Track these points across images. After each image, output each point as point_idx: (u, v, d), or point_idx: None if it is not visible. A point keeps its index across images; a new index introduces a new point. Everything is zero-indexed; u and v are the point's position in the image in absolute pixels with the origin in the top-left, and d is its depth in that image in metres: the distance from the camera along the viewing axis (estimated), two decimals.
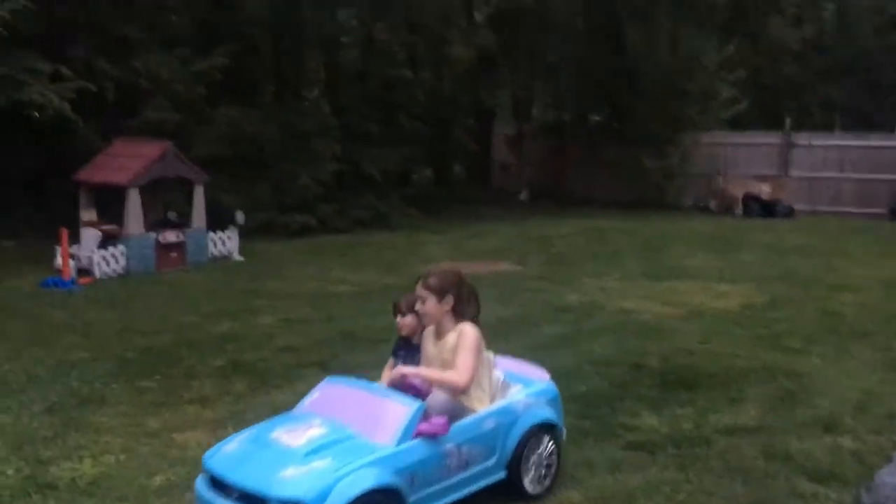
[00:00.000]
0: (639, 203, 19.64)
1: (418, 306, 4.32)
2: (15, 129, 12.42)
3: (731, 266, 11.66)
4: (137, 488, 4.52)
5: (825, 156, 19.52)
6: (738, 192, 19.41)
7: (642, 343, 7.44)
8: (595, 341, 7.50)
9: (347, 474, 3.63)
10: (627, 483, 4.56)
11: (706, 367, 6.64)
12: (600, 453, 4.94)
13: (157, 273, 11.01)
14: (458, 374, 4.11)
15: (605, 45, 20.69)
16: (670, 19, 20.22)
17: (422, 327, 4.46)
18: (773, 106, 24.09)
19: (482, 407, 4.23)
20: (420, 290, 4.26)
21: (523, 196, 21.88)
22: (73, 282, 10.09)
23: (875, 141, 19.28)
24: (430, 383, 4.16)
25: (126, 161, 11.26)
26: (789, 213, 18.61)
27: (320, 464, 3.68)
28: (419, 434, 3.90)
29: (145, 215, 11.15)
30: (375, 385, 4.33)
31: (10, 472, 4.70)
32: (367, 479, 3.65)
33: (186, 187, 11.95)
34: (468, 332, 4.18)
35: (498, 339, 7.39)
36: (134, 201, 10.97)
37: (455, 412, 4.07)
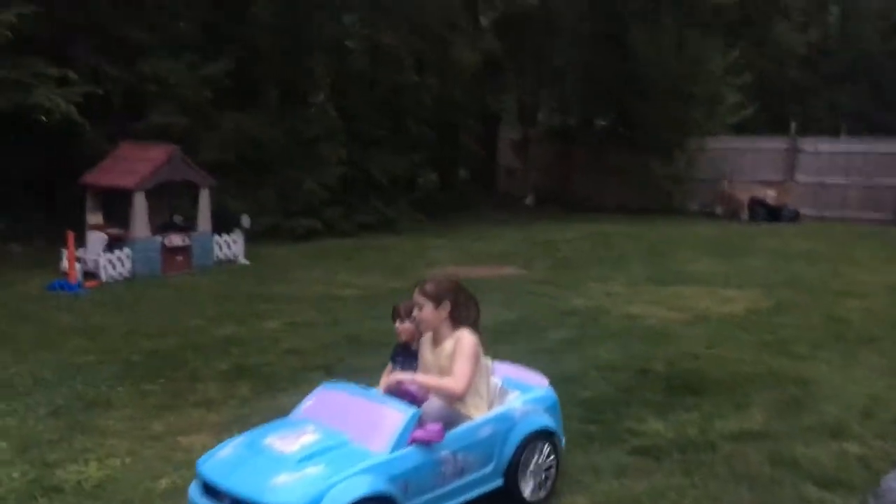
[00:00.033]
0: (645, 208, 19.63)
1: (415, 313, 4.31)
2: (22, 133, 12.46)
3: (737, 271, 11.63)
4: (143, 491, 4.52)
5: (831, 161, 19.49)
6: (743, 196, 19.38)
7: (648, 348, 7.42)
8: (601, 346, 7.49)
9: (340, 481, 3.61)
10: (633, 488, 4.55)
11: (712, 373, 6.63)
12: (606, 458, 4.93)
13: (163, 276, 11.03)
14: (454, 382, 4.09)
15: (611, 50, 20.67)
16: (676, 24, 20.21)
17: (420, 333, 4.45)
18: (779, 110, 24.03)
19: (480, 414, 4.20)
20: (417, 297, 4.26)
21: (529, 201, 21.87)
22: (79, 285, 10.12)
23: (881, 146, 19.24)
24: (427, 390, 4.14)
25: (133, 165, 11.30)
26: (795, 217, 18.58)
27: (313, 470, 3.65)
28: (414, 441, 3.87)
29: (151, 219, 11.17)
30: (371, 391, 4.30)
31: (15, 475, 4.71)
32: (360, 487, 3.62)
33: (192, 191, 11.98)
34: (466, 339, 4.17)
35: (503, 343, 7.43)
36: (140, 205, 11.00)
37: (450, 419, 4.04)
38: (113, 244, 10.97)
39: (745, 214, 19.12)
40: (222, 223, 12.25)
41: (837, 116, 26.30)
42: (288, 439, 3.88)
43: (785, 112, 23.69)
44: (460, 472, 4.05)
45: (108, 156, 11.87)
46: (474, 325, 4.30)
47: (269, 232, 14.23)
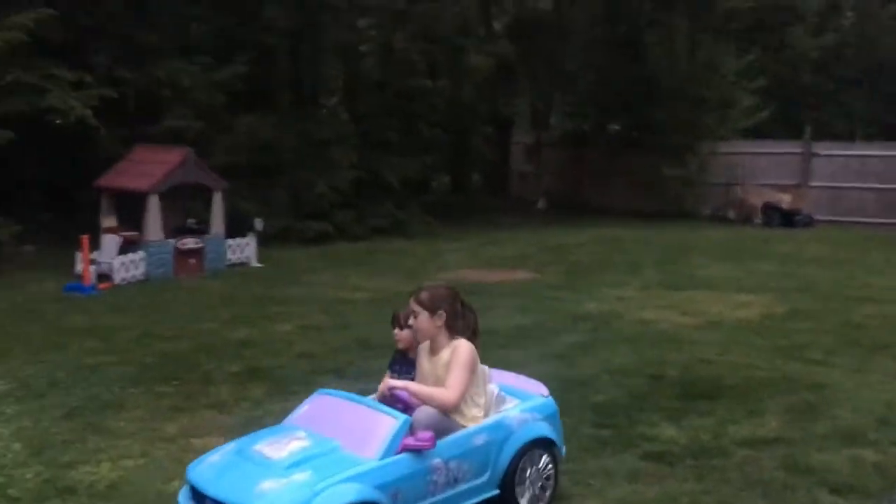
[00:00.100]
0: (657, 212, 19.57)
1: (411, 321, 4.28)
2: (37, 136, 12.55)
3: (750, 276, 11.57)
4: (155, 493, 4.54)
5: (846, 165, 19.38)
6: (757, 201, 19.29)
7: (661, 353, 7.39)
8: (613, 351, 7.46)
9: (327, 488, 3.56)
10: (645, 494, 4.52)
11: (725, 378, 6.59)
12: (618, 463, 4.90)
13: (176, 279, 11.08)
14: (447, 393, 4.05)
15: (624, 54, 20.66)
16: (689, 28, 20.17)
17: (417, 342, 4.41)
18: (794, 115, 23.92)
19: (476, 423, 4.13)
20: (412, 305, 4.23)
21: (541, 205, 21.85)
22: (93, 287, 10.17)
23: None
24: (419, 399, 4.08)
25: (146, 168, 11.36)
26: (809, 222, 18.46)
27: (300, 477, 3.61)
28: (404, 448, 3.82)
29: (165, 222, 11.22)
30: (366, 398, 4.24)
31: (29, 475, 4.73)
32: (348, 494, 3.57)
33: (206, 194, 12.03)
34: (462, 349, 4.13)
35: (516, 347, 7.42)
36: (154, 207, 11.05)
37: (443, 427, 3.98)
38: (127, 247, 11.02)
39: (758, 219, 19.03)
40: (235, 226, 12.30)
41: (852, 121, 26.18)
42: (277, 446, 3.85)
43: (799, 116, 23.59)
44: (453, 482, 3.97)
45: (122, 159, 11.94)
46: (473, 335, 4.27)
47: (281, 235, 14.27)
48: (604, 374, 6.66)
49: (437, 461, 3.90)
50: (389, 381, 4.24)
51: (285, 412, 5.46)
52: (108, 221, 11.42)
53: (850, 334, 8.20)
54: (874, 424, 5.58)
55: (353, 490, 3.60)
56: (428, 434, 3.84)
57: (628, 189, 20.86)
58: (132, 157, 11.86)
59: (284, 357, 7.26)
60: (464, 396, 4.11)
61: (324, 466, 3.67)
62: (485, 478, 4.11)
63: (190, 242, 11.46)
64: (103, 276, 10.60)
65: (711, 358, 7.22)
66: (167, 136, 13.21)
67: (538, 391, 4.57)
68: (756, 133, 21.58)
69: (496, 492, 4.15)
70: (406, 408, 4.08)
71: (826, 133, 21.68)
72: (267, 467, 3.70)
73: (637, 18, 20.87)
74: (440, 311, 4.17)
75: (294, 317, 8.86)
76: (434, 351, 4.25)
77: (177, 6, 14.71)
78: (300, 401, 5.84)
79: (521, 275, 11.85)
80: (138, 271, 10.92)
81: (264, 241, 12.91)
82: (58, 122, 11.76)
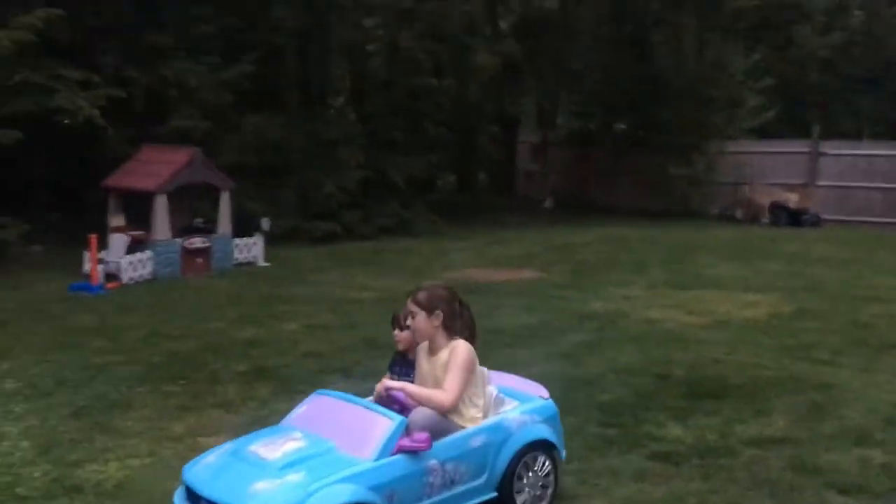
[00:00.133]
0: (664, 211, 19.53)
1: (409, 322, 4.28)
2: (45, 136, 12.60)
3: (757, 275, 11.54)
4: (162, 492, 4.54)
5: (853, 165, 19.31)
6: (764, 200, 19.24)
7: (667, 352, 7.38)
8: (619, 350, 7.46)
9: (320, 489, 3.55)
10: (652, 493, 4.52)
11: (732, 378, 6.57)
12: (625, 462, 4.90)
13: (183, 278, 11.10)
14: (443, 395, 4.04)
15: (631, 53, 20.64)
16: (696, 27, 20.14)
17: (416, 342, 4.40)
18: (801, 114, 23.86)
19: (474, 424, 4.12)
20: (409, 306, 4.23)
21: (547, 204, 21.84)
22: (100, 287, 10.20)
23: None
24: (416, 401, 4.06)
25: (154, 167, 11.39)
26: (816, 222, 18.40)
27: (294, 477, 3.60)
28: (400, 449, 3.80)
29: (172, 221, 11.25)
30: (363, 399, 4.23)
31: (37, 474, 4.75)
32: (341, 495, 3.56)
33: (213, 194, 12.06)
34: (460, 350, 4.12)
35: (522, 346, 7.43)
36: (161, 207, 11.08)
37: (439, 428, 3.96)
38: (134, 246, 11.05)
39: (765, 218, 18.98)
40: (242, 226, 12.32)
41: (859, 120, 26.09)
42: (272, 446, 3.84)
43: (806, 116, 23.53)
44: (450, 483, 3.95)
45: (129, 159, 11.97)
46: (472, 335, 4.26)
47: (289, 234, 14.29)
48: (610, 374, 6.65)
49: (433, 462, 3.88)
50: (386, 382, 4.23)
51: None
52: (116, 221, 11.44)
53: (858, 334, 8.17)
54: (882, 424, 5.57)
55: (348, 491, 3.58)
56: (424, 435, 3.82)
57: (635, 188, 20.83)
58: (139, 156, 11.89)
59: (291, 356, 7.27)
60: (462, 397, 4.10)
61: (318, 467, 3.67)
62: (482, 480, 4.08)
63: (197, 242, 11.49)
64: (111, 276, 10.63)
65: (718, 357, 7.21)
66: (174, 135, 13.25)
67: (538, 393, 4.54)
68: (762, 133, 21.53)
69: (494, 494, 4.13)
70: (402, 409, 4.06)
71: (833, 132, 21.61)
72: (261, 468, 3.70)
73: (643, 17, 20.83)
74: (437, 311, 4.17)
75: (301, 316, 8.88)
76: (433, 351, 4.25)
77: (184, 6, 14.74)
78: None
79: (527, 274, 11.85)
80: (146, 271, 10.96)
81: (271, 240, 12.93)
82: (66, 122, 11.81)
